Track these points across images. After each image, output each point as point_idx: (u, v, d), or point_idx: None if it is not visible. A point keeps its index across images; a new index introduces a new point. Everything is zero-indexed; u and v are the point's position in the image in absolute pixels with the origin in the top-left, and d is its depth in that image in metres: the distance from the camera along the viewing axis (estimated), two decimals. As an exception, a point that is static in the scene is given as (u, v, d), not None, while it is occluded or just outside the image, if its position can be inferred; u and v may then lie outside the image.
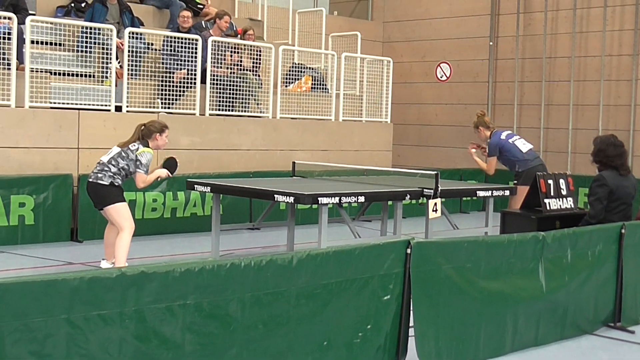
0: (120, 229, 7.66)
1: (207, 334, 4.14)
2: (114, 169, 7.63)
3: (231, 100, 11.83)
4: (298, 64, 13.75)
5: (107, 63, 10.66)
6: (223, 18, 12.36)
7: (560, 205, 7.54)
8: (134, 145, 7.70)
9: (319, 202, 7.46)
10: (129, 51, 10.68)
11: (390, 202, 9.59)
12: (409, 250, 5.00)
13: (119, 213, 7.66)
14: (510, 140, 9.84)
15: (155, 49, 11.64)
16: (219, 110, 11.74)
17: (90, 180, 7.70)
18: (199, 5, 13.90)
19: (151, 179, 7.83)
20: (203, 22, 13.48)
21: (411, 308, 5.07)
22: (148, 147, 7.74)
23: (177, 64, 11.33)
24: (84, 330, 3.70)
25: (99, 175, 7.63)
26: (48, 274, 3.69)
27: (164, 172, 7.98)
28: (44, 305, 3.58)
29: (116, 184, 7.66)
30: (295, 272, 4.50)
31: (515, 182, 9.85)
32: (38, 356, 3.58)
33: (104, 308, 3.76)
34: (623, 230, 6.42)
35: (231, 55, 11.95)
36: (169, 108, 11.15)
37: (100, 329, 3.76)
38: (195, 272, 4.08)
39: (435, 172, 8.43)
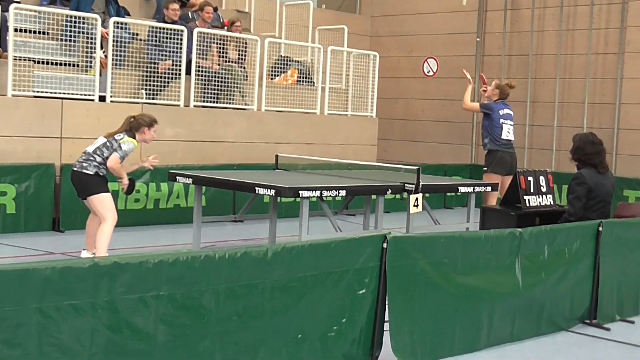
0: (102, 219, 7.66)
1: (180, 325, 4.15)
2: (99, 159, 7.63)
3: (216, 92, 11.82)
4: (284, 56, 13.74)
5: (91, 52, 10.63)
6: (205, 9, 12.33)
7: (539, 202, 7.59)
8: (119, 136, 7.71)
9: (300, 195, 7.47)
10: (113, 41, 10.65)
11: (374, 197, 9.64)
12: (385, 245, 5.02)
13: (102, 203, 7.66)
14: (501, 120, 10.10)
15: (141, 39, 11.60)
16: (204, 101, 11.73)
17: (75, 169, 7.70)
18: (186, -4, 13.87)
19: (120, 169, 7.73)
20: (190, 12, 13.44)
21: (387, 302, 5.09)
22: (134, 138, 7.74)
23: (162, 55, 11.31)
24: (55, 320, 3.71)
25: (84, 164, 7.64)
26: (20, 264, 3.69)
27: (125, 180, 7.84)
28: (15, 294, 3.59)
29: (101, 173, 7.66)
30: (270, 264, 4.51)
31: (485, 168, 10.13)
32: (9, 345, 3.59)
33: (76, 298, 3.77)
34: (600, 228, 6.47)
35: (218, 52, 11.93)
36: (153, 99, 11.13)
37: (72, 319, 3.77)
38: (169, 263, 4.09)
39: (417, 167, 8.44)
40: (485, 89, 10.96)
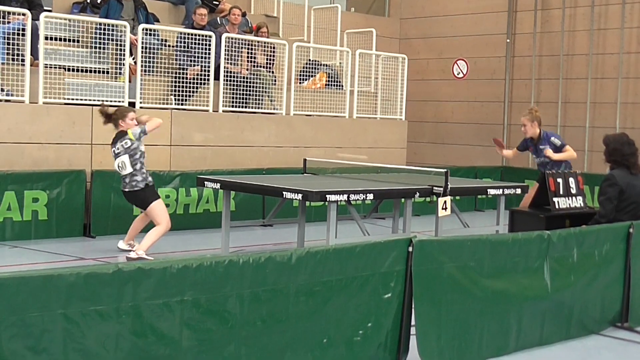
0: (157, 224, 8.40)
1: (204, 330, 4.17)
2: (138, 166, 8.28)
3: (245, 96, 11.87)
4: (313, 60, 13.76)
5: (121, 59, 10.73)
6: (232, 11, 12.40)
7: (569, 204, 7.51)
8: (123, 141, 8.34)
9: (327, 200, 7.47)
10: (142, 47, 10.75)
11: (403, 200, 9.61)
12: (410, 248, 5.00)
13: (155, 212, 8.40)
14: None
15: (170, 46, 11.70)
16: (233, 106, 11.79)
17: (126, 190, 8.39)
18: (214, 2, 13.95)
19: (147, 120, 8.53)
20: (218, 18, 13.53)
21: (413, 306, 5.07)
22: (126, 132, 8.36)
23: (191, 61, 11.38)
24: (80, 326, 3.75)
25: (132, 183, 8.32)
26: (45, 270, 3.74)
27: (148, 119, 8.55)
28: (40, 300, 3.63)
29: (149, 183, 8.35)
30: (294, 269, 4.52)
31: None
32: (34, 351, 3.63)
33: (101, 303, 3.80)
34: (631, 230, 6.38)
35: (248, 56, 11.98)
36: (182, 104, 11.21)
37: (97, 325, 3.80)
38: (193, 268, 4.11)
39: (445, 169, 8.40)
40: (504, 150, 10.29)
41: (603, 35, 15.18)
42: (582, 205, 7.71)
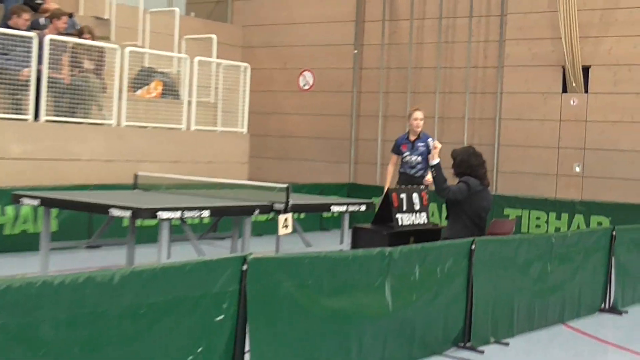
0: None
1: (13, 360, 4.03)
2: None
3: (70, 105, 11.57)
4: (148, 67, 13.63)
5: None
6: (61, 19, 12.13)
7: (413, 221, 7.78)
8: None
9: (159, 217, 7.39)
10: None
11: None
12: (245, 267, 5.04)
13: None
14: None
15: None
16: (56, 115, 11.47)
17: None
18: (37, 1, 13.54)
19: None
20: (42, 19, 13.13)
21: (247, 329, 5.10)
22: None
23: (14, 64, 10.99)
24: None
25: None
26: None
27: None
28: None
29: None
30: (117, 290, 4.44)
31: None
32: None
33: None
34: (473, 246, 6.70)
35: (72, 61, 11.70)
36: (-2, 112, 10.82)
37: None
38: (1, 290, 3.97)
39: (287, 185, 8.51)
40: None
41: (451, 49, 15.87)
42: (426, 221, 8.01)
